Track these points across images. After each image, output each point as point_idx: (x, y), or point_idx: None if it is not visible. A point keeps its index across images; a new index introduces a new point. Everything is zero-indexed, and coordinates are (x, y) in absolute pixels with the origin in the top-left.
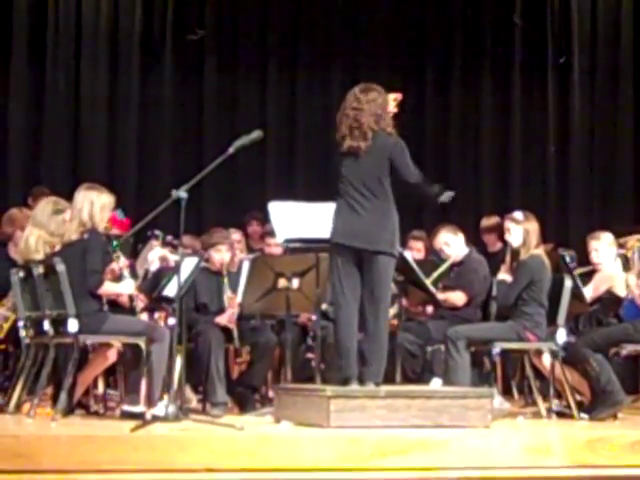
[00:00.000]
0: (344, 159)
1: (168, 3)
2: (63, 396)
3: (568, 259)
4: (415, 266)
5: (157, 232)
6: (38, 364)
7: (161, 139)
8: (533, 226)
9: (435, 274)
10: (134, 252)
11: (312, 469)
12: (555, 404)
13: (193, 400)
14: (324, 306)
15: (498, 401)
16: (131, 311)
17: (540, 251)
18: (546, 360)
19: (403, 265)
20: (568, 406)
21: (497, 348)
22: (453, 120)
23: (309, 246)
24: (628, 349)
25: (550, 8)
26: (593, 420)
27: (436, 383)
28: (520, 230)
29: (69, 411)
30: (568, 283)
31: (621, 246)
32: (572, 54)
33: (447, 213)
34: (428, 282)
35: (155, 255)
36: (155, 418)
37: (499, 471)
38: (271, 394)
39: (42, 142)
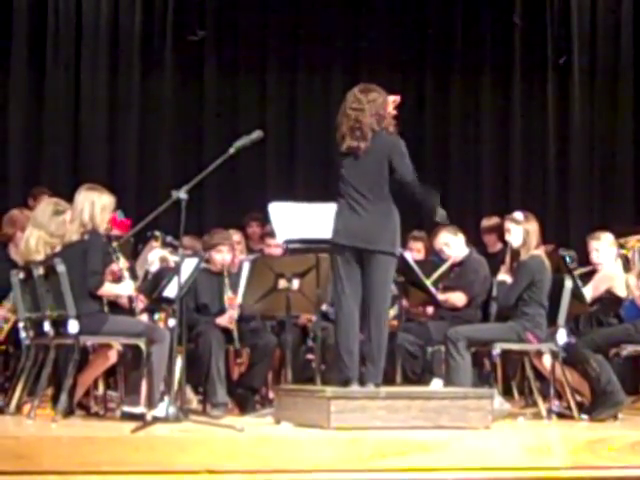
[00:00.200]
0: (344, 159)
1: (168, 4)
2: (63, 397)
3: (568, 259)
4: (415, 267)
5: (157, 233)
6: (38, 365)
7: (161, 140)
8: (533, 226)
9: (435, 275)
10: (134, 253)
11: (312, 470)
12: (555, 405)
13: (193, 401)
14: (324, 307)
15: (498, 402)
16: (131, 312)
17: (540, 252)
18: (546, 361)
19: (403, 266)
20: (568, 407)
21: (497, 349)
22: (453, 120)
23: (309, 247)
24: (628, 350)
25: (550, 8)
26: (593, 421)
27: (436, 384)
28: (520, 230)
29: (69, 412)
30: (568, 284)
31: (621, 246)
32: (572, 54)
33: (447, 213)
34: (428, 283)
35: (155, 256)
36: (155, 419)
37: (499, 472)
38: (271, 395)
39: (42, 143)
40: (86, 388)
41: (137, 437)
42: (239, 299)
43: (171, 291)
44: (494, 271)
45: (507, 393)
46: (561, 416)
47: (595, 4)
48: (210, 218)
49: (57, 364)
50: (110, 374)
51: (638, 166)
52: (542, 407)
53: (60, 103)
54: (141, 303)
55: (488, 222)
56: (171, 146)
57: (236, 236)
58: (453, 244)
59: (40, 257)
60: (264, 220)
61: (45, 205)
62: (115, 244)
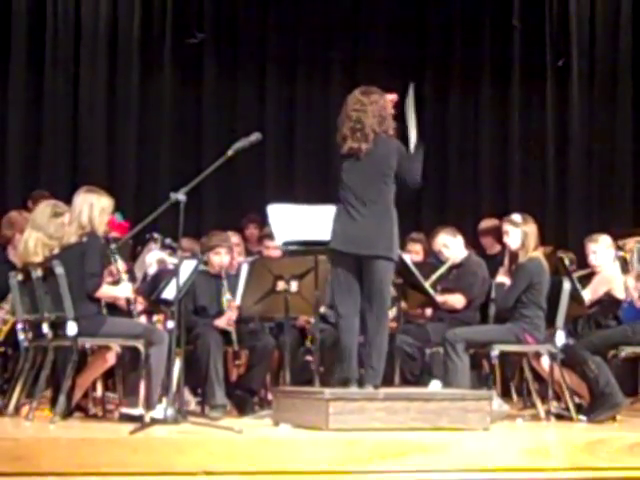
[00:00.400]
0: (344, 162)
1: (167, 6)
2: (62, 399)
3: (567, 262)
4: (414, 269)
5: (156, 235)
6: (37, 367)
7: (160, 142)
8: (532, 229)
9: (434, 276)
10: (133, 255)
11: (311, 472)
12: (554, 406)
13: (192, 403)
14: (323, 309)
15: (497, 403)
16: (129, 314)
17: (539, 254)
18: (545, 362)
19: (402, 268)
20: (567, 408)
21: (496, 350)
22: (452, 123)
23: (308, 249)
24: (627, 351)
25: (549, 11)
26: (592, 422)
27: (435, 385)
28: (519, 233)
29: (68, 414)
30: (567, 285)
31: (620, 248)
32: (571, 57)
33: (446, 215)
34: (427, 285)
35: (154, 258)
36: (154, 421)
37: (498, 473)
38: (270, 397)
39: (41, 145)
40: (84, 390)
41: (135, 439)
42: (238, 301)
43: (169, 293)
44: (493, 273)
45: (506, 395)
46: (559, 418)
47: (594, 7)
48: (209, 220)
49: (55, 366)
50: (108, 376)
51: (636, 168)
52: (540, 409)
53: (59, 105)
54: (140, 305)
55: (484, 224)
56: (170, 148)
57: (234, 238)
58: (452, 246)
59: (39, 259)
60: (262, 222)
61: (44, 207)
62: (114, 246)
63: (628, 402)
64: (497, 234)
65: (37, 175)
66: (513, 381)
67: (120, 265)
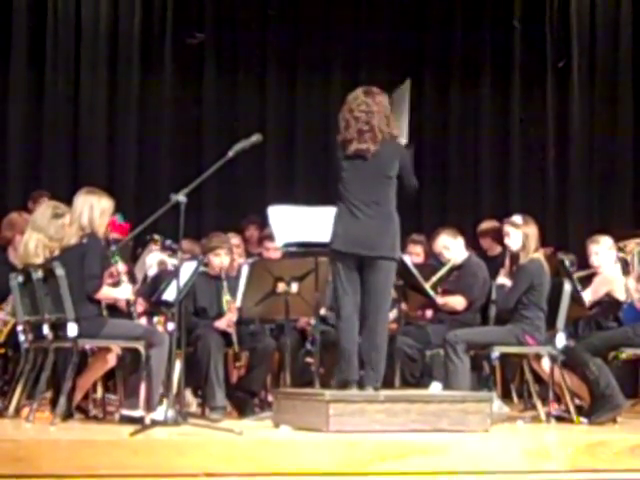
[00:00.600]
0: (347, 162)
1: (167, 6)
2: (62, 400)
3: (567, 263)
4: (414, 270)
5: (156, 236)
6: (37, 368)
7: (160, 143)
8: (532, 230)
9: (434, 278)
10: (133, 256)
11: (311, 473)
12: (554, 408)
13: (192, 404)
14: (323, 310)
15: (497, 405)
16: (129, 316)
17: (539, 255)
18: (545, 364)
19: (402, 269)
20: (567, 410)
21: (496, 352)
22: (452, 123)
23: (308, 250)
24: (627, 353)
25: (549, 12)
26: (592, 424)
27: (435, 387)
28: (519, 234)
29: (68, 415)
30: (567, 287)
31: (620, 250)
32: (571, 57)
33: (446, 216)
34: (427, 286)
35: (154, 259)
36: (154, 422)
37: (498, 475)
38: (270, 398)
39: (42, 145)
40: (85, 391)
41: (136, 440)
42: (238, 302)
43: (170, 294)
44: (493, 274)
45: (506, 396)
46: (560, 419)
47: (594, 8)
48: (209, 221)
49: (56, 367)
50: (109, 377)
51: (637, 169)
52: (541, 410)
53: (59, 105)
54: (140, 306)
55: (483, 226)
56: (170, 149)
57: (235, 239)
58: (452, 247)
59: (39, 260)
60: (262, 223)
61: (44, 208)
62: (114, 247)
63: (629, 404)
64: (496, 235)
65: (37, 175)
66: (513, 383)
67: (120, 266)
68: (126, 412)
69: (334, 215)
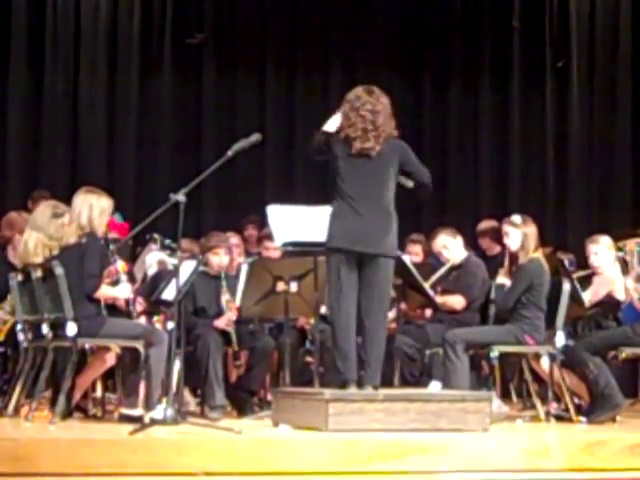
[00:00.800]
0: (350, 160)
1: (167, 6)
2: (61, 399)
3: (567, 263)
4: (414, 270)
5: (156, 235)
6: (37, 367)
7: (160, 142)
8: (532, 230)
9: (434, 277)
10: (133, 255)
11: (310, 473)
12: (554, 407)
13: (191, 403)
14: (323, 309)
15: (496, 404)
16: (128, 315)
17: (539, 255)
18: (545, 363)
19: (402, 269)
20: (567, 409)
21: (495, 351)
22: (452, 123)
23: (307, 249)
24: (627, 352)
25: (549, 12)
26: (592, 423)
27: (435, 386)
28: (519, 234)
29: (67, 414)
30: (567, 286)
31: (620, 249)
32: (570, 58)
33: (445, 216)
34: (426, 286)
35: (153, 259)
36: (153, 421)
37: (498, 474)
38: (269, 397)
39: (41, 145)
40: (84, 390)
41: (135, 439)
42: (237, 301)
43: (169, 294)
44: (492, 274)
45: (505, 396)
46: (559, 419)
47: (593, 8)
48: (209, 221)
49: (55, 366)
50: (108, 376)
51: (636, 169)
52: (540, 410)
53: (59, 105)
54: (139, 306)
55: (482, 226)
56: (170, 148)
57: (234, 239)
58: (451, 247)
59: (39, 260)
60: (261, 223)
61: (44, 208)
62: (113, 247)
63: (628, 403)
64: (495, 235)
65: (37, 175)
66: (513, 382)
67: (120, 266)
68: (125, 411)
69: (331, 212)
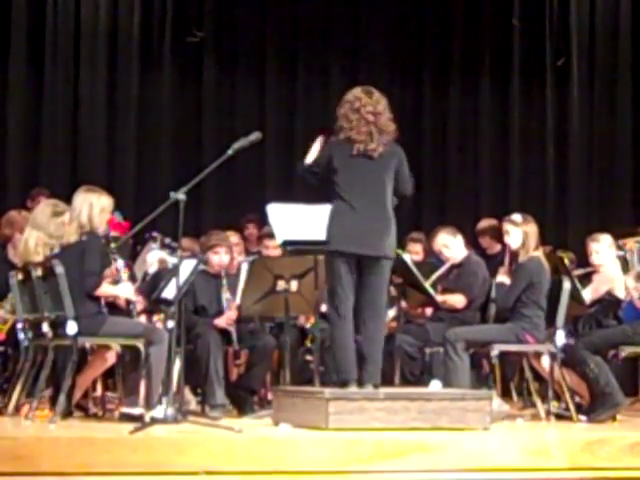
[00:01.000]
0: (351, 161)
1: (167, 5)
2: (62, 398)
3: (567, 261)
4: (414, 268)
5: (156, 234)
6: (37, 366)
7: (160, 141)
8: (532, 228)
9: (434, 276)
10: (133, 254)
11: (311, 472)
12: (554, 406)
13: (192, 402)
14: (323, 308)
15: (497, 403)
16: (128, 314)
17: (539, 253)
18: (545, 362)
19: (402, 267)
20: (567, 408)
21: (496, 350)
22: (452, 122)
23: (308, 248)
24: (627, 351)
25: (549, 11)
26: (592, 422)
27: (435, 385)
28: (519, 232)
29: (68, 413)
30: (567, 285)
31: (620, 248)
32: (570, 56)
33: (446, 214)
34: (427, 284)
35: (154, 257)
36: (154, 420)
37: (498, 473)
38: (270, 396)
39: (41, 144)
40: (84, 389)
41: (135, 438)
42: (238, 300)
43: (170, 292)
44: (493, 273)
45: (506, 394)
46: (560, 417)
47: (594, 7)
48: (209, 219)
49: (56, 365)
50: (109, 375)
51: (636, 167)
52: (541, 408)
53: (59, 104)
54: (140, 304)
55: (481, 224)
56: (170, 147)
57: (234, 238)
58: (452, 246)
59: (39, 258)
60: (261, 222)
61: (44, 206)
62: (113, 245)
63: (628, 402)
64: (494, 234)
65: (37, 174)
66: (513, 381)
67: (120, 264)
68: (126, 410)
69: (330, 212)
